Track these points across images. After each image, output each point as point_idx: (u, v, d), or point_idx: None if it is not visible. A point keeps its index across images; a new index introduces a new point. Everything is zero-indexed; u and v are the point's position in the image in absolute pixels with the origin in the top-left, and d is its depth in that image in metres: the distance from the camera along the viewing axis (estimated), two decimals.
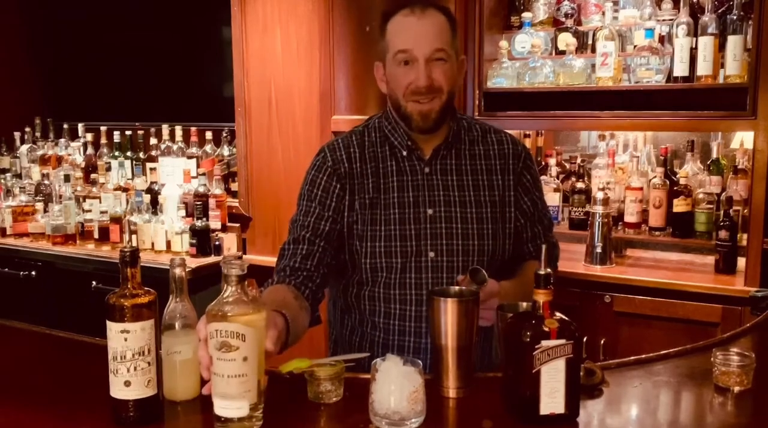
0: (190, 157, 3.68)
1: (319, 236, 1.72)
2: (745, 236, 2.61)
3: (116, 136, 3.95)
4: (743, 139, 2.85)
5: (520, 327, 1.25)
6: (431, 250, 1.70)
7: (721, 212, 2.67)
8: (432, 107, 1.67)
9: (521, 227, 1.80)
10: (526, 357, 1.22)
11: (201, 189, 3.37)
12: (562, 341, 1.23)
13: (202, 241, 3.28)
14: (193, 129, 3.74)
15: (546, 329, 1.23)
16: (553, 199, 2.98)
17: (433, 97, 1.66)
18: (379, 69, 1.76)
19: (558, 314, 1.26)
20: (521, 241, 1.81)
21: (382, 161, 1.76)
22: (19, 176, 4.15)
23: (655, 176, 2.85)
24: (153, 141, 3.82)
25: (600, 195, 2.81)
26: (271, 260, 3.27)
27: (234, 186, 3.56)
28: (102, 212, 3.54)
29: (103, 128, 3.98)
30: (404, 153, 1.75)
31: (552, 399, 1.23)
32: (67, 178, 3.70)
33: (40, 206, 3.81)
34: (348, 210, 1.73)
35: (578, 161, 3.14)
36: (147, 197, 3.46)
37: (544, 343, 1.22)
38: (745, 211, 2.65)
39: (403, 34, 1.66)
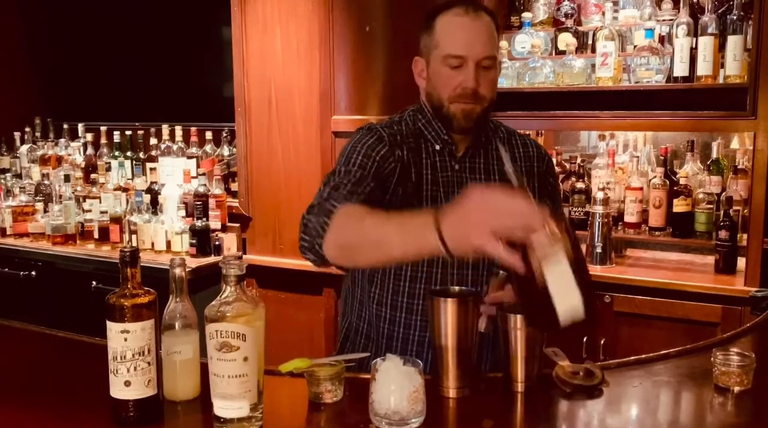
0: (190, 157, 3.68)
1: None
2: (745, 236, 2.61)
3: (116, 136, 3.95)
4: (745, 138, 2.85)
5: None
6: None
7: (721, 212, 2.67)
8: (473, 109, 1.67)
9: None
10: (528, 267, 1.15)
11: (201, 189, 3.37)
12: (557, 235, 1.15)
13: (202, 241, 3.28)
14: (193, 129, 3.74)
15: None
16: None
17: (477, 101, 1.66)
18: (418, 64, 1.74)
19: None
20: None
21: (416, 153, 1.73)
22: (19, 176, 4.15)
23: (655, 176, 2.85)
24: (153, 141, 3.82)
25: (600, 195, 2.81)
26: (270, 260, 3.31)
27: (234, 186, 3.56)
28: (102, 212, 3.54)
29: (103, 128, 3.98)
30: (437, 147, 1.74)
31: (567, 300, 1.16)
32: (67, 178, 3.70)
33: (40, 206, 3.81)
34: (391, 194, 1.67)
35: (578, 161, 3.14)
36: (147, 197, 3.46)
37: (537, 240, 1.14)
38: (745, 211, 2.65)
39: (457, 36, 1.65)
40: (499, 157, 1.77)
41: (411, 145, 1.73)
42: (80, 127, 4.17)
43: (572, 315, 1.16)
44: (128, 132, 4.04)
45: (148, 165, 3.67)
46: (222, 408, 1.21)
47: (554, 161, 3.12)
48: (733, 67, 2.56)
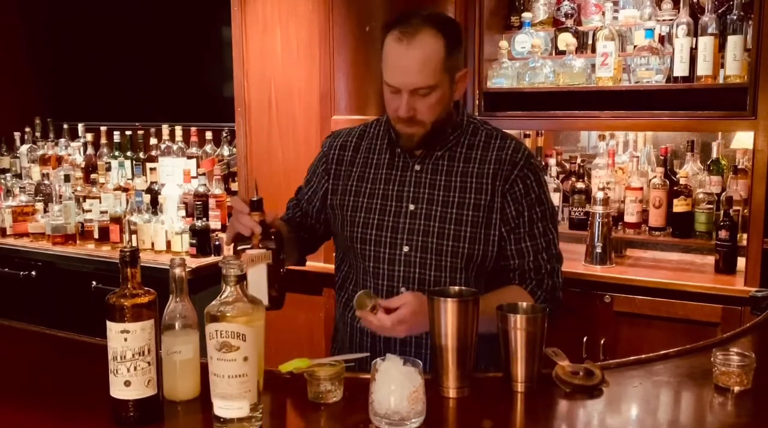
0: (190, 157, 3.68)
1: (305, 214, 1.94)
2: (745, 236, 2.61)
3: (116, 136, 3.95)
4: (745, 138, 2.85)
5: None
6: (406, 244, 1.72)
7: (721, 212, 2.67)
8: (415, 132, 1.69)
9: (504, 237, 1.73)
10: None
11: (201, 189, 3.37)
12: (263, 250, 1.56)
13: (202, 241, 3.28)
14: (193, 129, 3.74)
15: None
16: (553, 199, 2.98)
17: (414, 126, 1.68)
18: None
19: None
20: (504, 254, 1.74)
21: (378, 153, 1.81)
22: (19, 176, 4.15)
23: (655, 176, 2.85)
24: (153, 141, 3.82)
25: (600, 195, 2.81)
26: None
27: (234, 186, 3.56)
28: (102, 212, 3.53)
29: (103, 128, 3.98)
30: (398, 149, 1.78)
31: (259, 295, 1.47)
32: (67, 178, 3.70)
33: (40, 206, 3.81)
34: (331, 193, 1.84)
35: (578, 161, 3.14)
36: (147, 197, 3.46)
37: (249, 252, 1.56)
38: (745, 211, 2.65)
39: (391, 65, 1.65)
40: (467, 158, 1.76)
41: (368, 145, 1.82)
42: (80, 127, 4.16)
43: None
44: (128, 132, 4.04)
45: (148, 165, 3.67)
46: (222, 408, 1.21)
47: (554, 160, 3.15)
48: (733, 67, 2.56)
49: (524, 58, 3.01)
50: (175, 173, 3.59)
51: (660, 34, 2.75)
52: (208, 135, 3.73)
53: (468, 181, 1.74)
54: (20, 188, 3.89)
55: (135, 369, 1.24)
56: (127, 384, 1.24)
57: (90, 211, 3.59)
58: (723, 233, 2.65)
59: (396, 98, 1.66)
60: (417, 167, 1.76)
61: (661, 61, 2.69)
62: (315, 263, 3.19)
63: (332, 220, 1.86)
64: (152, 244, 3.37)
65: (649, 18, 2.80)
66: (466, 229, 1.72)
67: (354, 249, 1.78)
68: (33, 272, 3.56)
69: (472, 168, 1.75)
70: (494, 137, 1.79)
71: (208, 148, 3.70)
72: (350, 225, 1.78)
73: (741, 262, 2.63)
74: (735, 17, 2.54)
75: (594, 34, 2.91)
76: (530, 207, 1.74)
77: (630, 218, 2.87)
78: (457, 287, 1.50)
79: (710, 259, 2.77)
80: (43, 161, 4.08)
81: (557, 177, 3.12)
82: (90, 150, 4.02)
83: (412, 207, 1.73)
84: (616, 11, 2.90)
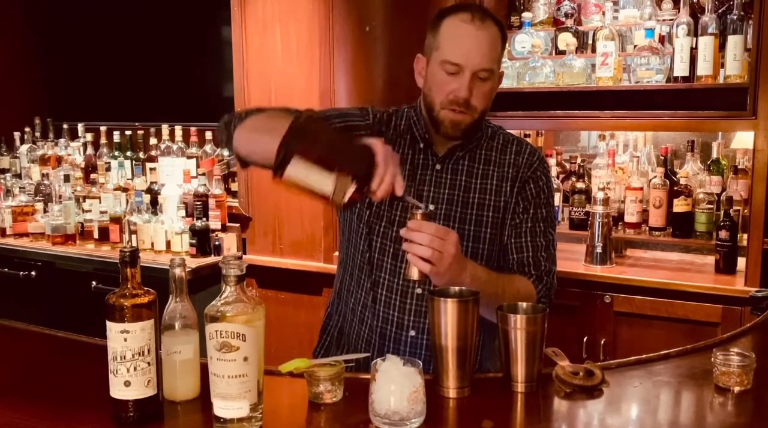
0: (189, 157, 3.68)
1: None
2: (745, 236, 2.62)
3: (116, 136, 3.95)
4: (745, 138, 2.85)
5: None
6: None
7: (721, 212, 2.67)
8: (463, 119, 1.66)
9: (508, 232, 1.76)
10: None
11: (201, 189, 3.37)
12: None
13: (202, 241, 3.28)
14: (193, 129, 3.74)
15: None
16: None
17: (467, 111, 1.66)
18: (419, 62, 1.74)
19: None
20: (504, 249, 1.76)
21: (400, 147, 1.76)
22: (19, 176, 4.15)
23: (655, 176, 2.85)
24: (153, 141, 3.82)
25: (600, 195, 2.81)
26: (270, 260, 3.30)
27: (234, 186, 3.56)
28: (102, 212, 3.54)
29: (103, 128, 3.98)
30: (421, 145, 1.76)
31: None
32: (67, 178, 3.70)
33: (39, 206, 3.81)
34: None
35: (578, 161, 3.14)
36: (147, 197, 3.46)
37: None
38: (745, 211, 2.65)
39: (457, 42, 1.63)
40: (487, 160, 1.77)
41: (392, 137, 1.75)
42: (80, 127, 4.16)
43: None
44: (128, 132, 4.04)
45: (148, 165, 3.67)
46: (222, 408, 1.21)
47: (554, 160, 3.15)
48: (733, 67, 2.56)
49: (524, 58, 3.01)
50: (175, 173, 3.59)
51: (660, 34, 2.76)
52: (208, 135, 3.72)
53: (488, 183, 1.75)
54: (20, 188, 3.89)
55: (135, 369, 1.24)
56: (127, 384, 1.24)
57: (90, 211, 3.59)
58: (723, 233, 2.65)
59: (454, 80, 1.63)
60: (438, 167, 1.75)
61: (661, 61, 2.69)
62: (315, 263, 3.20)
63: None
64: (152, 244, 3.37)
65: (649, 18, 2.80)
66: (486, 230, 1.73)
67: (372, 241, 1.74)
68: (33, 272, 3.56)
69: (492, 170, 1.76)
70: (511, 141, 1.81)
71: (208, 148, 3.70)
72: (375, 216, 1.73)
73: (741, 262, 2.63)
74: (735, 17, 2.54)
75: (594, 34, 2.92)
76: (537, 207, 1.76)
77: (630, 218, 2.88)
78: (456, 288, 1.50)
79: (710, 259, 2.77)
80: (43, 161, 4.08)
81: (557, 177, 3.12)
82: (90, 150, 4.02)
83: (432, 207, 1.72)
84: (616, 11, 2.90)
